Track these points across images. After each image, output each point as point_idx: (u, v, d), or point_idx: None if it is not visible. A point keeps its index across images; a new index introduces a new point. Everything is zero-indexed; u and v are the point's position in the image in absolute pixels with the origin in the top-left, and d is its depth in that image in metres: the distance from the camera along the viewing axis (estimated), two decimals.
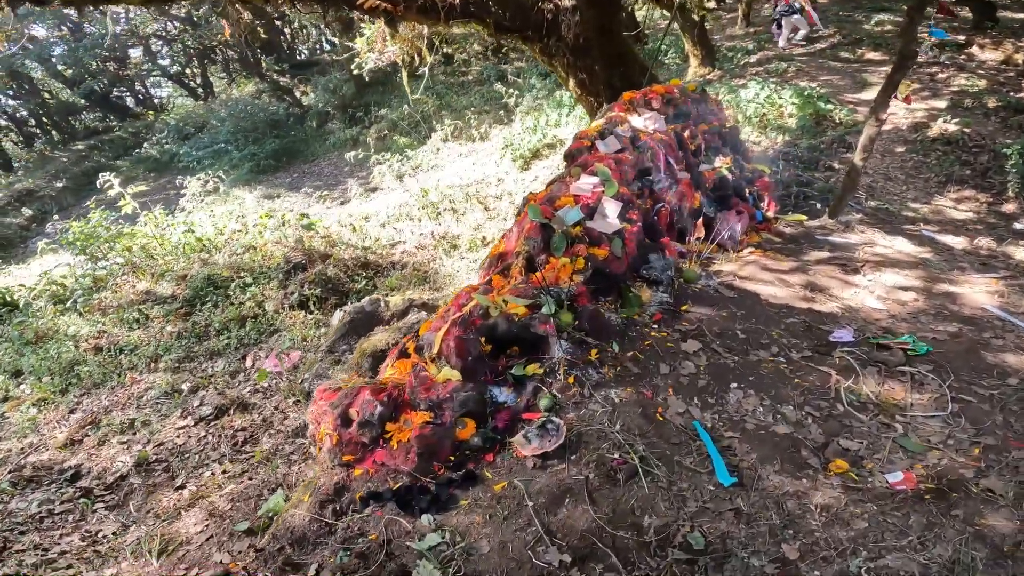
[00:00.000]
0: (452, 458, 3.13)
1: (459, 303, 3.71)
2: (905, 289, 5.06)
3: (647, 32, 19.14)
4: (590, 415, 3.26)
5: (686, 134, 5.63)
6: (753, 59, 15.42)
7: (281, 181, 17.75)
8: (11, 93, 24.10)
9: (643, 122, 5.33)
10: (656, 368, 3.72)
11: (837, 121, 11.08)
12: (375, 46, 8.21)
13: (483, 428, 3.22)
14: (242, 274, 7.92)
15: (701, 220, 5.39)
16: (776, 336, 4.21)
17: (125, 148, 21.88)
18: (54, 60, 21.25)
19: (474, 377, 3.38)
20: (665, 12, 14.51)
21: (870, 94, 11.98)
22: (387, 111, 17.85)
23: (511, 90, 15.90)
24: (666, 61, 17.14)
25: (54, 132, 23.48)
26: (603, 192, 4.28)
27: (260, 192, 16.25)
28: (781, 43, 15.01)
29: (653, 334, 3.92)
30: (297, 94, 21.98)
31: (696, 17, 14.04)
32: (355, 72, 8.24)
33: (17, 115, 24.96)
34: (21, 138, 25.79)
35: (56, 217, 16.94)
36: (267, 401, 5.82)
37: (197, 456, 5.35)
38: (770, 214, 6.22)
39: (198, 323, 7.43)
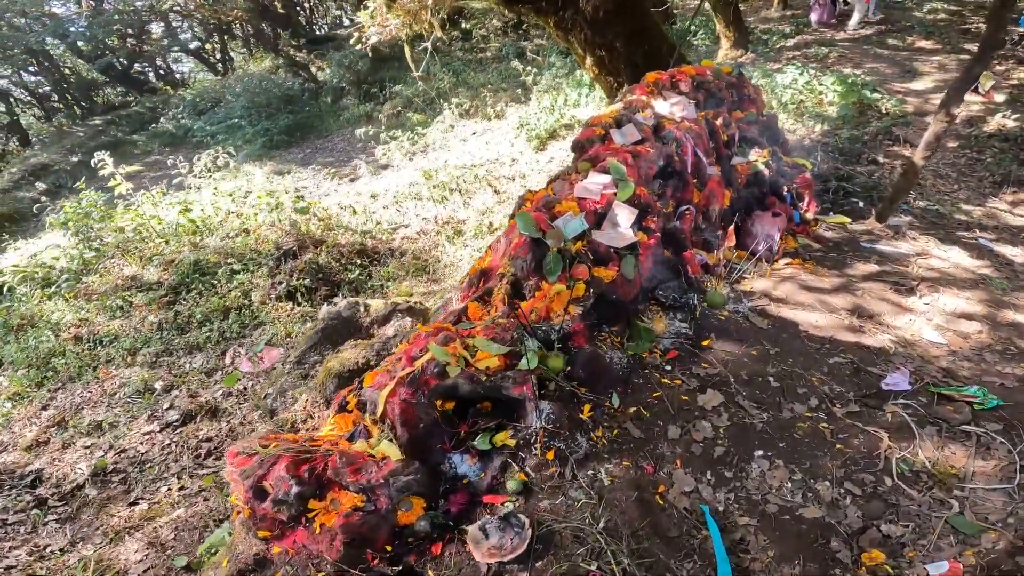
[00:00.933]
0: (389, 548, 2.47)
1: (411, 353, 2.95)
2: (968, 317, 4.25)
3: (675, 11, 18.02)
4: (568, 506, 2.56)
5: (718, 122, 4.82)
6: (790, 43, 14.31)
7: (293, 157, 17.21)
8: (32, 69, 23.79)
9: (669, 108, 4.55)
10: (664, 431, 2.98)
11: (883, 111, 10.06)
12: (377, 19, 7.45)
13: (433, 510, 2.55)
14: (230, 260, 7.32)
15: (732, 226, 4.60)
16: (816, 383, 3.44)
17: (142, 123, 21.46)
18: (71, 36, 20.79)
19: (425, 447, 2.69)
20: None
21: (921, 84, 10.89)
22: (402, 87, 17.11)
23: (529, 68, 15.01)
24: (695, 42, 16.07)
25: (74, 107, 23.14)
26: (615, 195, 3.51)
27: (271, 168, 15.72)
28: (814, 19, 14.01)
29: (665, 381, 3.18)
30: (313, 69, 21.30)
31: None
32: (357, 47, 7.51)
33: (39, 91, 24.69)
34: (43, 113, 25.58)
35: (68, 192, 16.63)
36: (239, 407, 5.24)
37: (157, 468, 4.80)
38: (810, 215, 5.41)
39: (180, 313, 6.87)
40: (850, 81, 10.39)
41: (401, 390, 2.68)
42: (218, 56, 26.72)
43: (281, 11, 20.98)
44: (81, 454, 5.32)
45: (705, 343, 3.54)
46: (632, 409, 3.02)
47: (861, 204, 6.43)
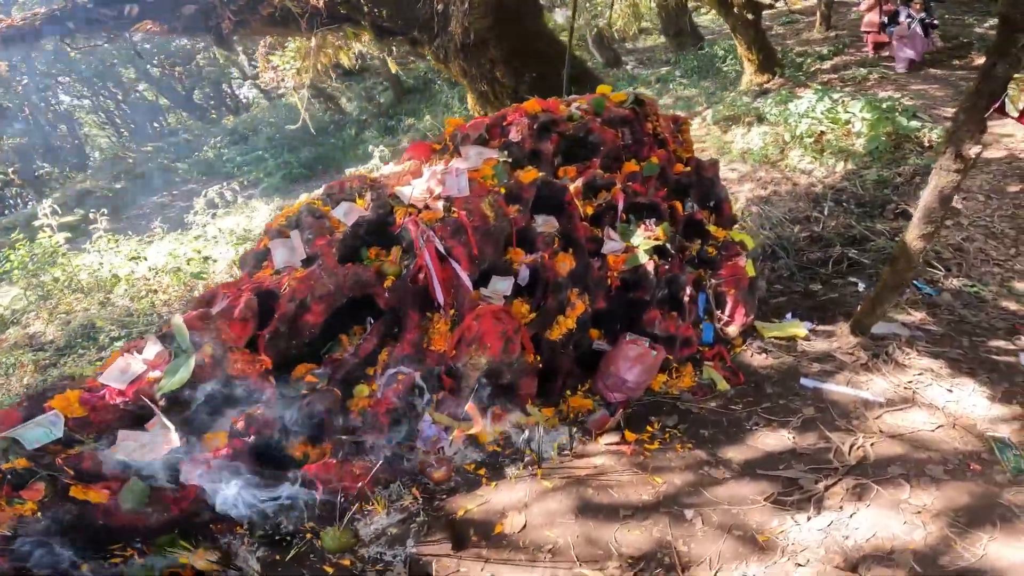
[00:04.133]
0: None
1: None
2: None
3: (707, 35, 16.04)
4: None
5: (575, 185, 3.08)
6: (826, 65, 12.06)
7: (312, 189, 16.49)
8: (105, 94, 24.54)
9: (426, 182, 2.87)
10: None
11: (924, 144, 7.77)
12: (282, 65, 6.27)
13: None
14: (112, 326, 6.23)
15: (526, 382, 2.73)
16: None
17: (188, 151, 21.56)
18: (144, 59, 21.09)
19: None
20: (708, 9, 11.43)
21: None
22: (415, 121, 16.01)
23: None
24: (724, 68, 14.05)
25: (126, 133, 23.71)
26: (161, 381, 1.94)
27: (279, 203, 14.95)
28: (902, 64, 10.43)
29: None
30: (344, 101, 20.69)
31: (748, 15, 10.92)
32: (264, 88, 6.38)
33: (112, 114, 25.50)
34: (117, 137, 26.47)
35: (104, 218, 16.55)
36: None
37: None
38: (734, 328, 3.53)
39: (48, 380, 5.79)
40: (885, 106, 8.14)
41: None
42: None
43: None
44: None
45: None
46: None
47: (862, 286, 4.44)
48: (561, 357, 3.02)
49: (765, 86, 11.69)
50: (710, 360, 3.31)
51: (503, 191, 2.92)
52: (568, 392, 3.08)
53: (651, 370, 3.04)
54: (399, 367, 2.46)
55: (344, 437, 2.32)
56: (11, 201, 21.87)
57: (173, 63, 21.52)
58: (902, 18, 10.35)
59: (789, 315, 3.82)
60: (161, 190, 19.26)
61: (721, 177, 8.29)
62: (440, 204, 2.77)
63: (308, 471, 2.24)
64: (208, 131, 21.73)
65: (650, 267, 3.14)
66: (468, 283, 2.64)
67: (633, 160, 3.48)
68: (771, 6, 15.05)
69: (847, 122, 8.30)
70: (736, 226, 6.27)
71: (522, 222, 2.97)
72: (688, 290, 3.28)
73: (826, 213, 5.96)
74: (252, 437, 2.20)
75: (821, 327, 3.78)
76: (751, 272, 3.57)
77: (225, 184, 14.93)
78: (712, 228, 3.71)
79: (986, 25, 11.97)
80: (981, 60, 10.23)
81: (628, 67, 15.15)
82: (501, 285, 2.79)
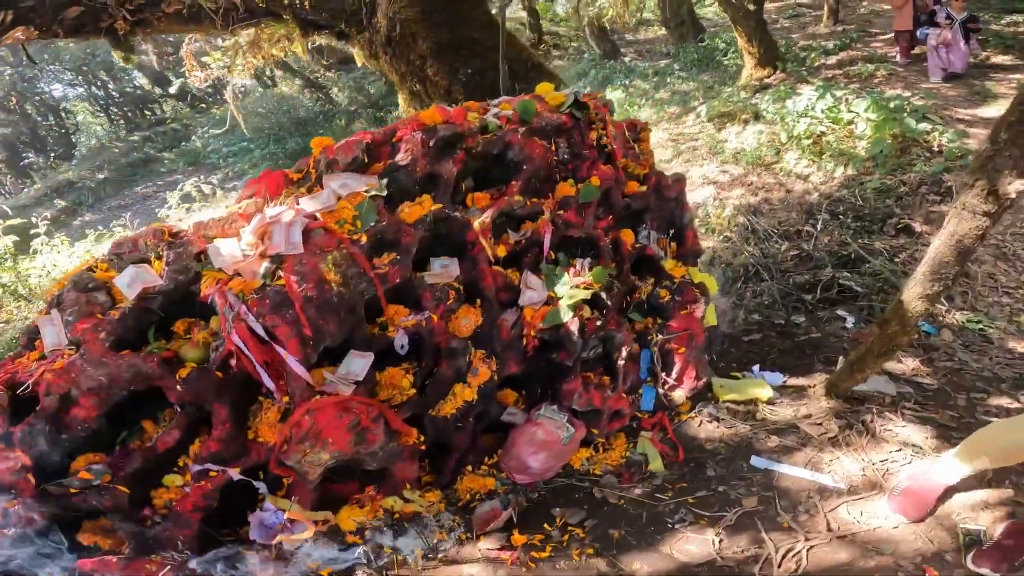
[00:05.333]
0: None
1: None
2: None
3: (708, 27, 15.29)
4: None
5: (480, 221, 2.45)
6: (831, 60, 11.34)
7: None
8: (99, 82, 24.02)
9: (251, 234, 2.16)
10: None
11: (934, 148, 7.08)
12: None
13: None
14: None
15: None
16: None
17: (176, 140, 21.03)
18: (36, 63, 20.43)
19: None
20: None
21: (993, 110, 7.79)
22: (401, 113, 15.38)
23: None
24: (726, 62, 13.35)
25: (122, 122, 23.19)
26: None
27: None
28: (937, 73, 8.87)
29: None
30: (335, 91, 20.07)
31: (750, 5, 10.20)
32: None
33: (107, 102, 24.96)
34: (111, 126, 25.95)
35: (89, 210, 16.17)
36: None
37: None
38: (681, 392, 2.93)
39: None
40: (892, 106, 7.43)
41: None
42: (268, 72, 26.20)
43: None
44: None
45: None
46: None
47: (851, 322, 3.82)
48: (457, 433, 2.42)
49: (765, 81, 11.00)
50: (648, 430, 2.72)
51: (364, 239, 2.22)
52: (469, 468, 2.49)
53: (561, 455, 2.46)
54: (207, 464, 1.91)
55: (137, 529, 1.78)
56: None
57: (167, 50, 20.92)
58: (940, 17, 8.76)
59: (756, 368, 3.22)
60: (146, 181, 18.75)
61: (711, 181, 7.70)
62: (264, 266, 2.07)
63: (82, 567, 1.71)
64: (197, 120, 21.18)
65: (574, 326, 2.46)
66: (299, 370, 1.98)
67: (570, 181, 2.80)
68: None
69: (849, 122, 7.62)
70: (721, 240, 5.64)
71: (398, 276, 2.29)
72: (625, 351, 2.66)
73: (819, 227, 5.32)
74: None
75: (793, 381, 3.16)
76: (712, 321, 2.97)
77: (204, 176, 14.42)
78: (669, 264, 3.08)
79: (1004, 22, 11.23)
80: (999, 58, 9.51)
81: (626, 59, 14.44)
82: (355, 366, 2.12)
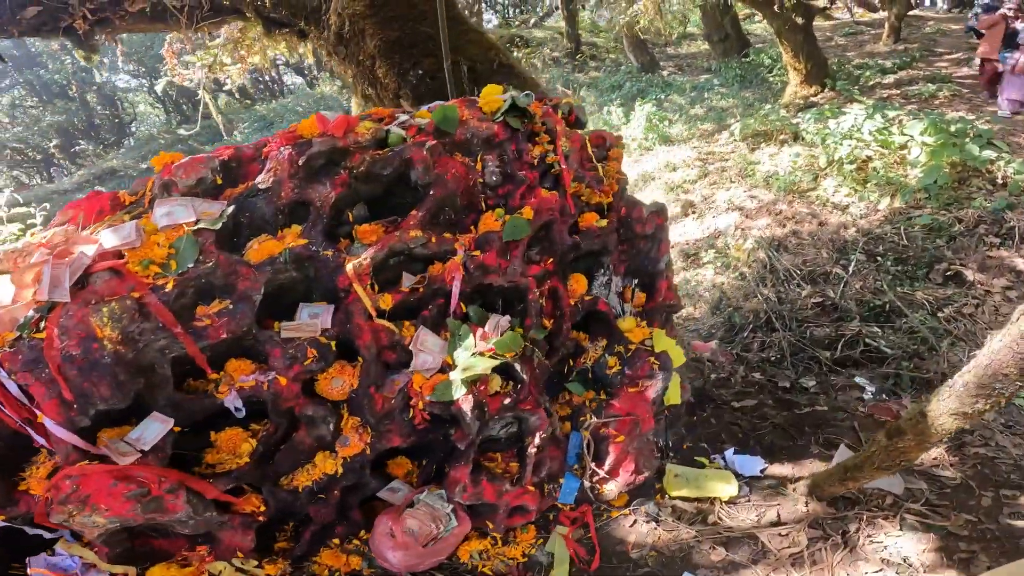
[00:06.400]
0: None
1: None
2: None
3: (757, 44, 14.37)
4: None
5: (358, 259, 1.81)
6: (889, 79, 10.32)
7: None
8: (158, 74, 24.79)
9: (24, 276, 1.69)
10: None
11: (999, 181, 6.13)
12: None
13: None
14: None
15: None
16: None
17: (220, 134, 21.34)
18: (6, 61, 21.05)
19: None
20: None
21: None
22: None
23: None
24: (770, 78, 12.45)
25: (176, 114, 23.77)
26: None
27: None
28: (1008, 104, 7.43)
29: None
30: None
31: (798, 18, 9.33)
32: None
33: (169, 95, 25.70)
34: (166, 117, 26.79)
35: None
36: None
37: None
38: (613, 488, 2.17)
39: None
40: (953, 129, 6.45)
41: None
42: (314, 71, 26.51)
43: None
44: None
45: None
46: None
47: (870, 392, 3.04)
48: (315, 505, 1.94)
49: (811, 99, 10.10)
50: (566, 526, 2.07)
51: (171, 284, 1.73)
52: (337, 542, 1.95)
53: (435, 552, 1.88)
54: None
55: None
56: (53, 174, 22.30)
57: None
58: (1022, 37, 7.21)
59: (730, 452, 2.50)
60: None
61: (737, 207, 6.85)
62: (28, 314, 1.66)
63: None
64: (240, 116, 21.48)
65: (467, 405, 1.88)
66: (61, 432, 1.61)
67: (499, 211, 2.16)
68: (825, 10, 13.22)
69: (902, 147, 6.70)
70: (736, 277, 4.80)
71: (225, 329, 1.79)
72: (540, 437, 2.01)
73: (851, 270, 4.52)
74: None
75: (776, 469, 2.44)
76: (674, 400, 2.29)
77: None
78: (627, 324, 2.40)
79: None
80: None
81: (664, 73, 13.66)
82: (150, 432, 1.69)
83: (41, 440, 1.63)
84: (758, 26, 16.21)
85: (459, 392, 1.89)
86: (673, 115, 10.70)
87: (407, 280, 2.01)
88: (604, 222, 2.42)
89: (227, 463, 1.83)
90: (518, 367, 1.94)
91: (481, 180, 2.17)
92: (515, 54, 15.92)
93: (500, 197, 2.23)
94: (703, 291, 5.05)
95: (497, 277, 2.09)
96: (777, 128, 8.59)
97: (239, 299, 1.83)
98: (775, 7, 8.74)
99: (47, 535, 1.70)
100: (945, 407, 1.63)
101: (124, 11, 3.99)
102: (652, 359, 2.30)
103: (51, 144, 20.46)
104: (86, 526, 1.60)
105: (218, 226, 1.85)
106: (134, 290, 1.70)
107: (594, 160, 2.41)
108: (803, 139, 7.85)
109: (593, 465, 2.09)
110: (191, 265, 1.79)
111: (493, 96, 2.29)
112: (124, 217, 1.87)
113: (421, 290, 2.00)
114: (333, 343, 1.92)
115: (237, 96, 25.45)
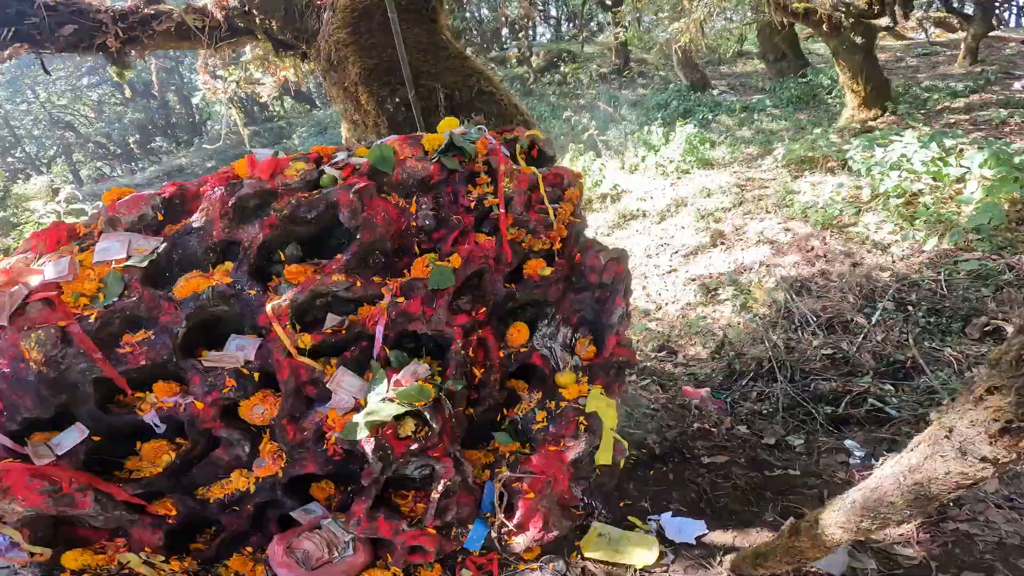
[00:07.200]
0: None
1: None
2: None
3: (819, 65, 13.76)
4: None
5: (275, 302, 1.87)
6: (958, 103, 9.63)
7: None
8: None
9: None
10: None
11: None
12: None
13: None
14: None
15: None
16: None
17: (279, 138, 22.37)
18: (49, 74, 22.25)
19: None
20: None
21: None
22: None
23: (594, 121, 11.92)
24: (828, 100, 11.87)
25: (247, 114, 25.08)
26: None
27: None
28: None
29: None
30: None
31: (857, 38, 8.84)
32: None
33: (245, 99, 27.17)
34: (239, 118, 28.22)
35: None
36: None
37: None
38: (520, 542, 2.03)
39: None
40: (1016, 161, 5.92)
41: None
42: None
43: None
44: None
45: None
46: None
47: (858, 456, 2.76)
48: (226, 515, 2.09)
49: (869, 124, 9.53)
50: (472, 570, 1.97)
51: (94, 316, 1.90)
52: (250, 550, 2.07)
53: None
54: None
55: None
56: (132, 166, 23.94)
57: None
58: None
59: (667, 515, 2.31)
60: None
61: (768, 240, 6.46)
62: None
63: None
64: (299, 121, 22.43)
65: (368, 446, 1.89)
66: None
67: (431, 256, 2.13)
68: (892, 30, 12.45)
69: (958, 179, 6.21)
70: (749, 319, 4.50)
71: (144, 357, 1.97)
72: (443, 484, 1.94)
73: (874, 320, 4.19)
74: None
75: (714, 537, 2.22)
76: (605, 460, 2.14)
77: None
78: (565, 379, 2.28)
79: None
80: None
81: (715, 92, 13.25)
82: (68, 439, 1.94)
83: None
84: (822, 44, 15.51)
85: (362, 434, 1.91)
86: (718, 136, 10.34)
87: (330, 321, 2.02)
88: (549, 270, 2.34)
89: (144, 471, 2.01)
90: (428, 415, 1.91)
91: (415, 223, 2.14)
92: (561, 68, 15.84)
93: (434, 241, 2.20)
94: (717, 330, 4.82)
95: (420, 325, 2.07)
96: (824, 154, 8.14)
97: (160, 331, 1.96)
98: (824, 26, 8.30)
99: None
100: (835, 519, 1.47)
101: (152, 30, 4.27)
102: (581, 419, 2.18)
103: (131, 140, 22.05)
104: (6, 512, 1.85)
105: (145, 264, 1.97)
106: (61, 320, 1.82)
107: (546, 202, 2.32)
108: (851, 168, 7.41)
109: (503, 517, 2.02)
110: (116, 299, 1.92)
111: (441, 132, 2.26)
112: (74, 248, 2.01)
113: (343, 332, 2.00)
114: (256, 374, 2.01)
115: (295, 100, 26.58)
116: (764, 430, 3.16)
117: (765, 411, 3.38)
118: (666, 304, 5.59)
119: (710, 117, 11.66)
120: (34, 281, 1.90)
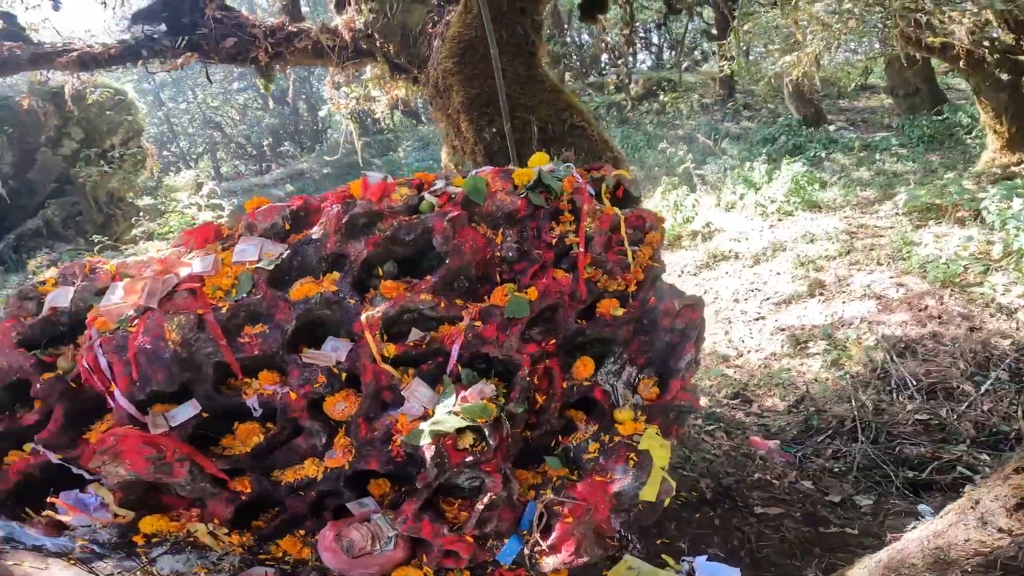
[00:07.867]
0: None
1: None
2: None
3: (957, 101, 12.63)
4: None
5: (369, 313, 2.14)
6: None
7: None
8: None
9: (136, 284, 2.37)
10: None
11: None
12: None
13: None
14: None
15: None
16: None
17: (387, 149, 23.71)
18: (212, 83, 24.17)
19: None
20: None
21: None
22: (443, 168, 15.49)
23: (691, 154, 11.67)
24: (967, 140, 10.88)
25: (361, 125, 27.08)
26: None
27: None
28: None
29: None
30: None
31: (1002, 74, 8.09)
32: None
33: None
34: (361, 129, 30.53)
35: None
36: None
37: None
38: (551, 563, 2.06)
39: None
40: None
41: None
42: None
43: None
44: None
45: None
46: None
47: (929, 519, 2.57)
48: (290, 498, 2.32)
49: (1012, 169, 8.62)
50: None
51: (226, 308, 2.25)
52: (302, 532, 2.31)
53: (355, 565, 2.10)
54: (38, 446, 2.25)
55: None
56: (261, 167, 26.54)
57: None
58: None
59: (703, 558, 2.27)
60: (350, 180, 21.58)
61: (875, 295, 5.98)
62: (128, 313, 2.27)
63: None
64: (404, 135, 23.73)
65: (428, 453, 2.08)
66: (122, 401, 2.21)
67: (510, 287, 2.32)
68: None
69: None
70: (839, 376, 4.27)
71: (258, 348, 2.28)
72: (488, 498, 2.08)
73: (983, 388, 3.84)
74: None
75: None
76: (649, 497, 2.18)
77: None
78: (623, 415, 2.37)
79: None
80: None
81: (831, 127, 12.51)
82: (181, 413, 2.25)
83: (112, 403, 2.25)
84: (957, 78, 14.22)
85: (425, 440, 2.11)
86: (830, 177, 9.77)
87: (413, 335, 2.26)
88: (621, 311, 2.45)
89: (235, 448, 2.29)
90: (487, 432, 2.08)
91: (499, 254, 2.34)
92: (660, 97, 15.68)
93: (515, 272, 2.39)
94: (800, 384, 4.62)
95: (493, 349, 2.27)
96: (954, 203, 7.45)
97: (274, 327, 2.29)
98: (963, 62, 7.65)
99: (88, 476, 2.25)
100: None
101: (294, 47, 4.92)
102: (632, 455, 2.26)
103: (265, 143, 24.54)
104: (110, 474, 2.14)
105: (271, 267, 2.33)
106: (200, 308, 2.20)
107: (626, 244, 2.44)
108: (983, 219, 6.74)
109: (538, 536, 2.15)
110: (244, 295, 2.28)
111: (531, 166, 2.46)
112: (218, 247, 2.43)
113: (423, 347, 2.24)
114: (344, 374, 2.28)
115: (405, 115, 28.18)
116: (831, 487, 3.03)
117: (837, 469, 3.22)
118: (748, 352, 5.42)
119: (823, 155, 11.05)
120: (183, 272, 2.32)
